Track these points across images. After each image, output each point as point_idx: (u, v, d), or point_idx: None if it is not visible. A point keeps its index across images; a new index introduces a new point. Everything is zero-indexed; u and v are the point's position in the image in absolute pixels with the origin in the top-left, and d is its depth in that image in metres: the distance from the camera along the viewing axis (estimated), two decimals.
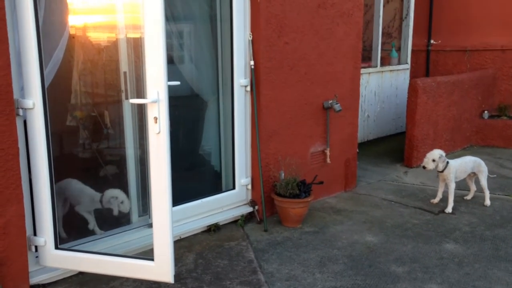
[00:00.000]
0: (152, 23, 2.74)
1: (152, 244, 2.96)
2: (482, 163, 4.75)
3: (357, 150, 5.38)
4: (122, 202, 3.55)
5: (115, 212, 3.53)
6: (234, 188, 4.36)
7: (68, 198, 3.59)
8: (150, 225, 3.21)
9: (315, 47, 4.58)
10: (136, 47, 3.63)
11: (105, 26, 3.98)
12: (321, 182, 4.42)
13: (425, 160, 4.56)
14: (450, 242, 3.92)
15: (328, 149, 4.89)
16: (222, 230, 4.14)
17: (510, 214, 4.52)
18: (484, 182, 4.73)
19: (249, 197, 4.45)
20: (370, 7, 7.19)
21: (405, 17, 7.83)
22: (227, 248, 3.78)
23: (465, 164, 4.68)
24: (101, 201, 3.52)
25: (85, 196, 3.57)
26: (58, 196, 3.41)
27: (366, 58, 7.25)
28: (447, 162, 4.57)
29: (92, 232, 3.56)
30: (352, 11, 4.90)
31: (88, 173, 3.97)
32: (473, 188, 4.91)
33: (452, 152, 6.75)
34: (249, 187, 4.42)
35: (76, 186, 3.60)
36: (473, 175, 4.82)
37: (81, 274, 3.31)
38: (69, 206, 3.60)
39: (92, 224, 3.57)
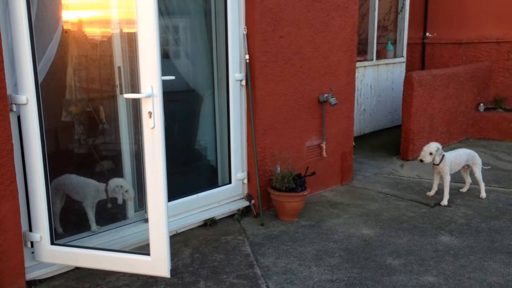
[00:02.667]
0: (145, 18, 2.72)
1: (148, 239, 2.97)
2: (476, 155, 4.76)
3: (353, 144, 5.39)
4: (126, 191, 3.58)
5: (120, 201, 3.55)
6: (230, 182, 4.36)
7: (69, 193, 3.58)
8: (146, 220, 3.21)
9: (310, 40, 4.58)
10: (130, 41, 3.62)
11: (99, 21, 3.96)
12: (313, 173, 4.42)
13: (422, 153, 4.56)
14: (445, 234, 3.93)
15: (324, 142, 4.89)
16: (219, 225, 4.14)
17: (506, 206, 4.54)
18: (479, 175, 4.74)
19: (245, 191, 4.45)
20: (366, 0, 7.17)
21: (401, 10, 7.82)
22: (224, 243, 3.79)
23: (459, 157, 4.69)
24: (106, 191, 3.54)
25: (90, 187, 3.58)
26: (55, 191, 3.41)
27: (362, 51, 7.24)
28: (443, 155, 4.58)
29: (89, 228, 3.55)
30: (347, 4, 4.89)
31: (84, 169, 3.97)
32: (468, 180, 4.93)
33: (448, 144, 6.76)
34: (245, 181, 4.42)
35: (78, 179, 3.61)
36: (468, 168, 4.83)
37: (77, 269, 3.31)
38: (65, 201, 3.59)
39: (92, 221, 3.57)
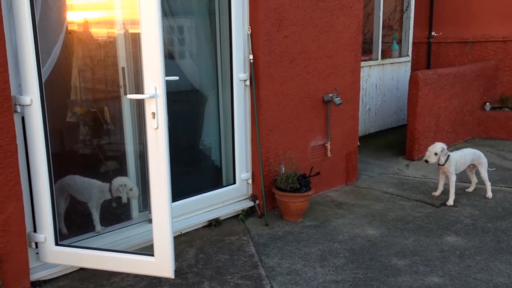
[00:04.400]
0: (149, 18, 2.72)
1: (152, 240, 2.96)
2: (482, 155, 4.72)
3: (358, 144, 5.37)
4: (131, 189, 3.57)
5: (124, 200, 3.55)
6: (234, 182, 4.35)
7: (74, 194, 3.58)
8: (150, 221, 3.20)
9: (315, 40, 4.56)
10: (134, 42, 3.62)
11: (103, 22, 3.97)
12: (318, 173, 4.41)
13: (427, 153, 4.53)
14: (451, 234, 3.91)
15: (329, 142, 4.88)
16: (223, 225, 4.14)
17: None
18: (484, 174, 4.71)
19: (250, 192, 4.44)
20: None
21: (406, 9, 7.78)
22: (228, 243, 3.78)
23: (464, 156, 4.66)
24: (110, 190, 3.53)
25: (94, 188, 3.58)
26: (59, 192, 3.41)
27: (367, 50, 7.21)
28: (448, 155, 4.55)
29: (93, 228, 3.56)
30: (352, 3, 4.87)
31: (89, 169, 3.97)
32: (474, 180, 4.89)
33: (454, 144, 6.72)
34: (250, 181, 4.41)
35: (82, 180, 3.61)
36: (473, 167, 4.80)
37: (81, 270, 3.31)
38: (69, 202, 3.60)
39: (96, 222, 3.57)
